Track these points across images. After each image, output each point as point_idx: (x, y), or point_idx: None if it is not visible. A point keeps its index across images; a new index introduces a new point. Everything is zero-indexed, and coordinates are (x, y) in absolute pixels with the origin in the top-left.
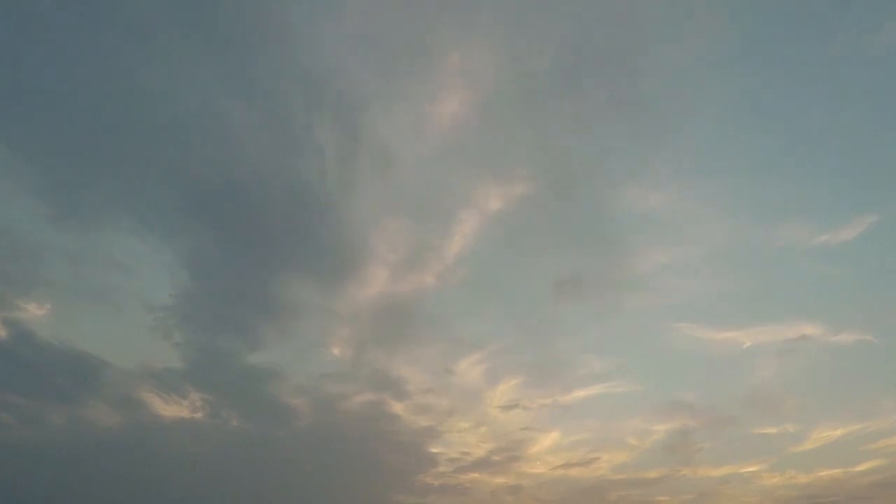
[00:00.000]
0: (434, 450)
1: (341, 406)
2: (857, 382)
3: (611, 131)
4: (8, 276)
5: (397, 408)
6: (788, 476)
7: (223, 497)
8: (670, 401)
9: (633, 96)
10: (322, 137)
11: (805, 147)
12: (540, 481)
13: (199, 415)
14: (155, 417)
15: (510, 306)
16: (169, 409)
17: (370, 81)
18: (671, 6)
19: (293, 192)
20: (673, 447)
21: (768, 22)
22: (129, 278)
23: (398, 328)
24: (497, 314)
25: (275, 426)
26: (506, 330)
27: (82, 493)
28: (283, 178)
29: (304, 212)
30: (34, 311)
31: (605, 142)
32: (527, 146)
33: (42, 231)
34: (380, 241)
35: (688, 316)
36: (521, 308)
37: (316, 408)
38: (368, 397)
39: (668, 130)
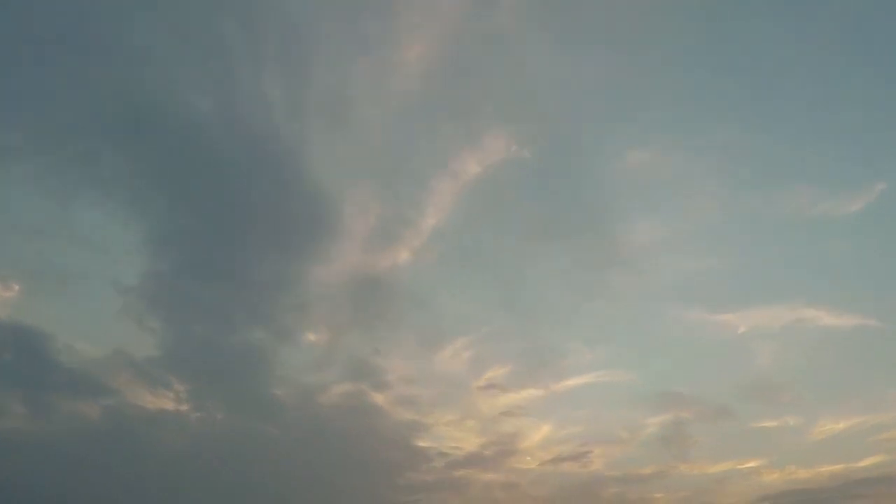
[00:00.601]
0: (421, 444)
1: (321, 397)
2: (861, 371)
3: (597, 70)
4: None
5: (379, 399)
6: (788, 472)
7: (201, 494)
8: (664, 391)
9: (618, 28)
10: (270, 87)
11: (810, 101)
12: (532, 478)
13: (174, 405)
14: (129, 407)
15: (493, 286)
16: (143, 397)
17: (319, 20)
18: None
19: (251, 150)
20: (668, 441)
21: None
22: (95, 255)
23: (375, 311)
24: (479, 295)
25: (255, 417)
26: (490, 312)
27: (50, 487)
28: (237, 133)
29: (266, 178)
30: None
31: (592, 83)
32: (504, 95)
33: None
34: (348, 211)
35: (681, 297)
36: (506, 288)
37: (294, 397)
38: (349, 388)
39: (660, 69)
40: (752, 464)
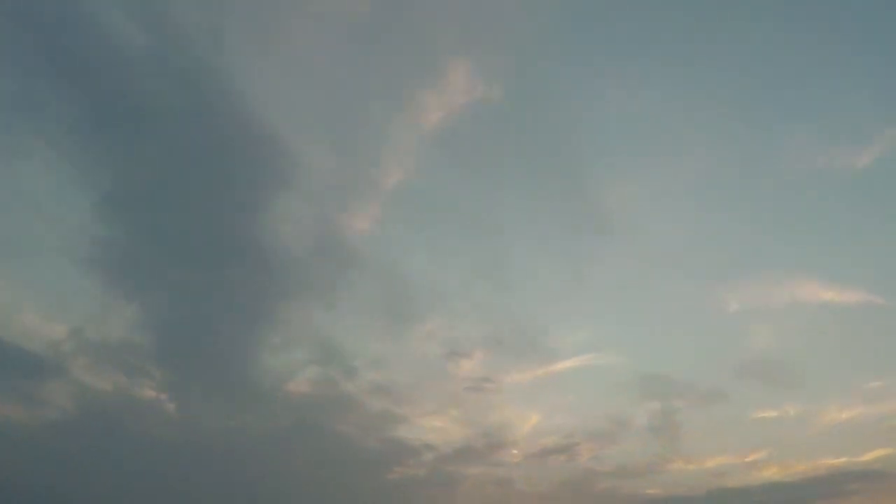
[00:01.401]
0: (403, 436)
1: (290, 384)
2: (865, 354)
3: None
4: None
5: (350, 387)
6: (786, 465)
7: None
8: (655, 376)
9: None
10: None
11: (813, 34)
12: (520, 473)
13: (139, 391)
14: (88, 391)
15: (468, 253)
16: (104, 381)
17: None
18: None
19: (193, 93)
20: (661, 432)
21: None
22: (46, 223)
23: (340, 285)
24: (453, 263)
25: (226, 404)
26: (465, 285)
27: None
28: (175, 73)
29: (210, 126)
30: None
31: (565, 6)
32: (466, 22)
33: None
34: (300, 164)
35: (669, 267)
36: (482, 256)
37: (263, 383)
38: (318, 373)
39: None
40: (750, 457)
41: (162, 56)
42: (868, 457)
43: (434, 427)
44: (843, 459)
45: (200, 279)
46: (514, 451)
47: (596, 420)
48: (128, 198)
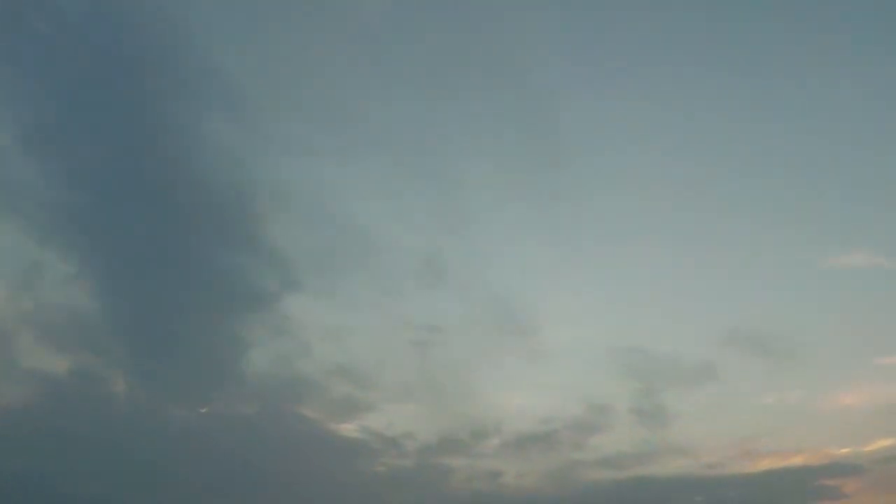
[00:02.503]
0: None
1: (243, 361)
2: (871, 327)
3: None
4: None
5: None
6: (784, 457)
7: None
8: (640, 356)
9: None
10: None
11: None
12: (506, 468)
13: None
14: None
15: (413, 190)
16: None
17: None
18: None
19: None
20: (650, 420)
21: None
22: None
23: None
24: (394, 204)
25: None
26: (416, 231)
27: None
28: None
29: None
30: None
31: None
32: None
33: None
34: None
35: (647, 225)
36: (430, 196)
37: (211, 357)
38: (274, 351)
39: None
40: (746, 445)
41: None
42: (872, 447)
43: (405, 414)
44: (846, 449)
45: (133, 225)
46: (496, 441)
47: (578, 407)
48: (46, 135)
